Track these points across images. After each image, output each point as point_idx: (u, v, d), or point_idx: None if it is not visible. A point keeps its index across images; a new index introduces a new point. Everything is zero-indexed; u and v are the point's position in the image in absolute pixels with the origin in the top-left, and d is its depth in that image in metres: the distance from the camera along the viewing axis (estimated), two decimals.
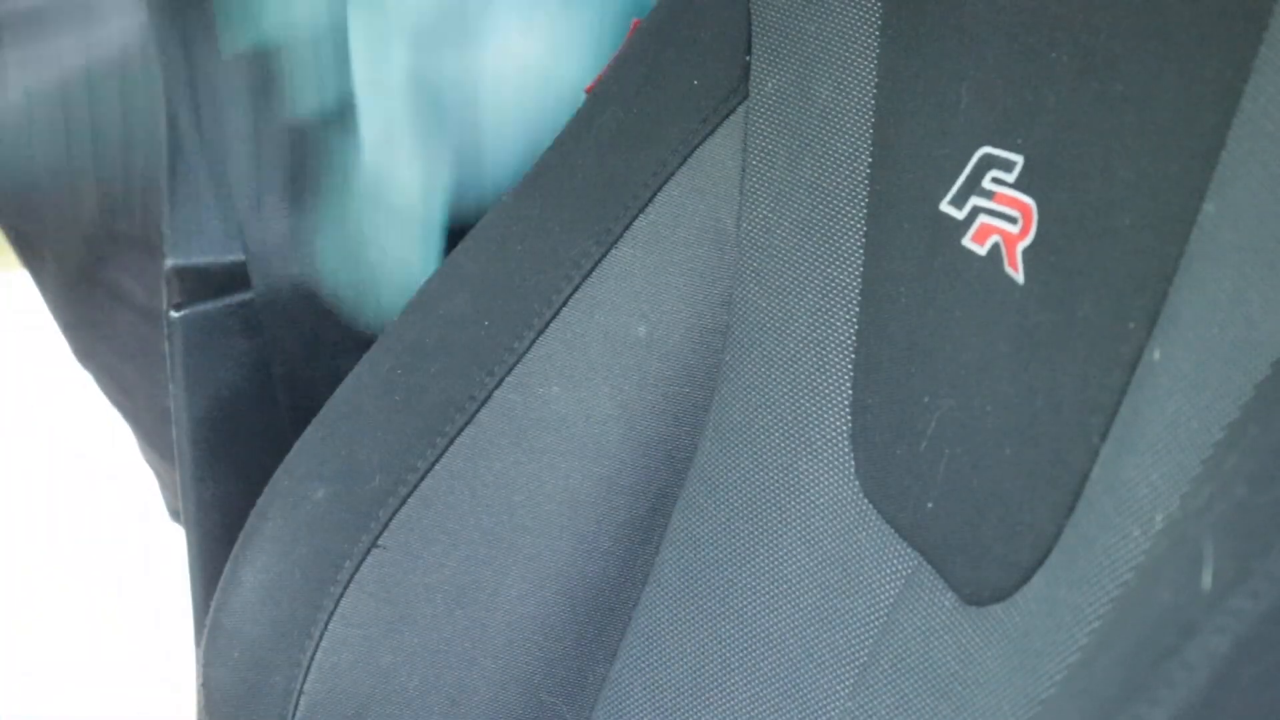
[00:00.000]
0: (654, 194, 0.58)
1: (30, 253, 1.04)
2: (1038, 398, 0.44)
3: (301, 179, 0.68)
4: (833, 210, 0.55)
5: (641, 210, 0.58)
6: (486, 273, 0.60)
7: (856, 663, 0.52)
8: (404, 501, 0.57)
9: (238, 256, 0.68)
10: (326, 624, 0.56)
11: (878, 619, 0.52)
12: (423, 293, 0.61)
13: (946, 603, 0.48)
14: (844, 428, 0.54)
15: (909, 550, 0.51)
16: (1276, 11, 0.39)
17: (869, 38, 0.54)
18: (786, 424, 0.56)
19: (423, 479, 0.57)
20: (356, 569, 0.57)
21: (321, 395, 0.61)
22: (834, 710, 0.52)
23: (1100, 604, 0.40)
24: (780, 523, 0.55)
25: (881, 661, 0.51)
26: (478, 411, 0.58)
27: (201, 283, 0.70)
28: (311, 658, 0.56)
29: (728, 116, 0.58)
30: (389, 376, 0.59)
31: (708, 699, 0.57)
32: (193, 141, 0.68)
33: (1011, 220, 0.47)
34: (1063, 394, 0.44)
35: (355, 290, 0.66)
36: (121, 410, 1.11)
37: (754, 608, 0.56)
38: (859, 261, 0.54)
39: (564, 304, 0.58)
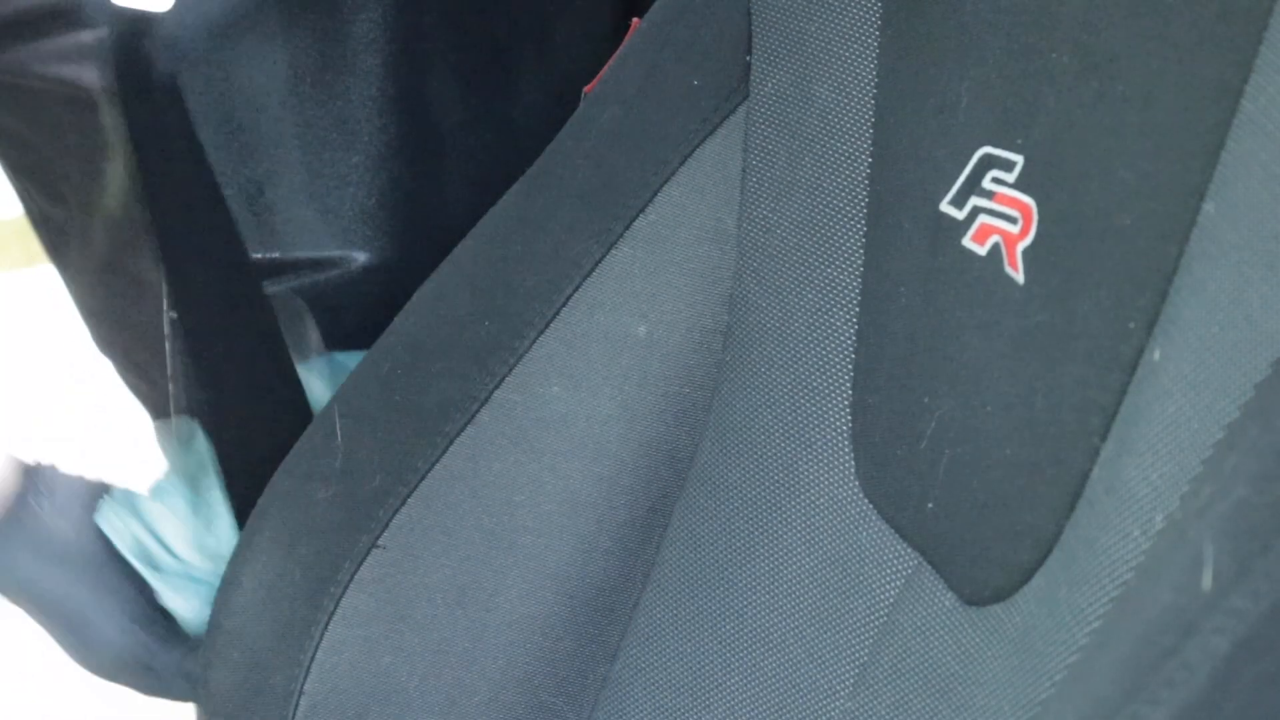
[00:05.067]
0: (654, 194, 0.58)
1: (56, 238, 1.05)
2: (1038, 398, 0.44)
3: None
4: (833, 210, 0.55)
5: (642, 210, 0.58)
6: (487, 272, 0.60)
7: (857, 662, 0.52)
8: (404, 501, 0.57)
9: None
10: (326, 624, 0.56)
11: (878, 619, 0.52)
12: (423, 293, 0.61)
13: (946, 603, 0.48)
14: (844, 428, 0.54)
15: (909, 550, 0.51)
16: (1276, 11, 0.39)
17: (869, 38, 0.54)
18: (787, 424, 0.56)
19: (423, 479, 0.57)
20: (356, 569, 0.57)
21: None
22: (834, 710, 0.52)
23: (1100, 604, 0.40)
24: (780, 523, 0.55)
25: (881, 661, 0.51)
26: (478, 411, 0.58)
27: None
28: (312, 658, 0.56)
29: (728, 116, 0.58)
30: (389, 376, 0.59)
31: (708, 699, 0.56)
32: None
33: (1011, 220, 0.47)
34: (1063, 394, 0.44)
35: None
36: (141, 399, 1.11)
37: (754, 608, 0.56)
38: (859, 261, 0.54)
39: (564, 304, 0.58)
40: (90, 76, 0.93)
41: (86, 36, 0.93)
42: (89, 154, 0.97)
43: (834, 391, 0.55)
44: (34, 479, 0.64)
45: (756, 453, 0.57)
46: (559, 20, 0.79)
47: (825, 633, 0.53)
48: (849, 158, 0.55)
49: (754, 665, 0.55)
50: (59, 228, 1.03)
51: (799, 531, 0.55)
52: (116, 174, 0.97)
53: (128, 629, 0.63)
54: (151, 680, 0.65)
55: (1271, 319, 0.37)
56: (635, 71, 0.60)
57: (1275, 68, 0.39)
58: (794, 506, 0.55)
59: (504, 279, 0.59)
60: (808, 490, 0.55)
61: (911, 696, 0.49)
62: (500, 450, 0.58)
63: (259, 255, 0.72)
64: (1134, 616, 0.37)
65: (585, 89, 0.63)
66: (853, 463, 0.54)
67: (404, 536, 0.57)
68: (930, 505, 0.49)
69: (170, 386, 0.73)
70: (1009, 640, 0.45)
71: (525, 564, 0.58)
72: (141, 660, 0.64)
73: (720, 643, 0.56)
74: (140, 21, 0.63)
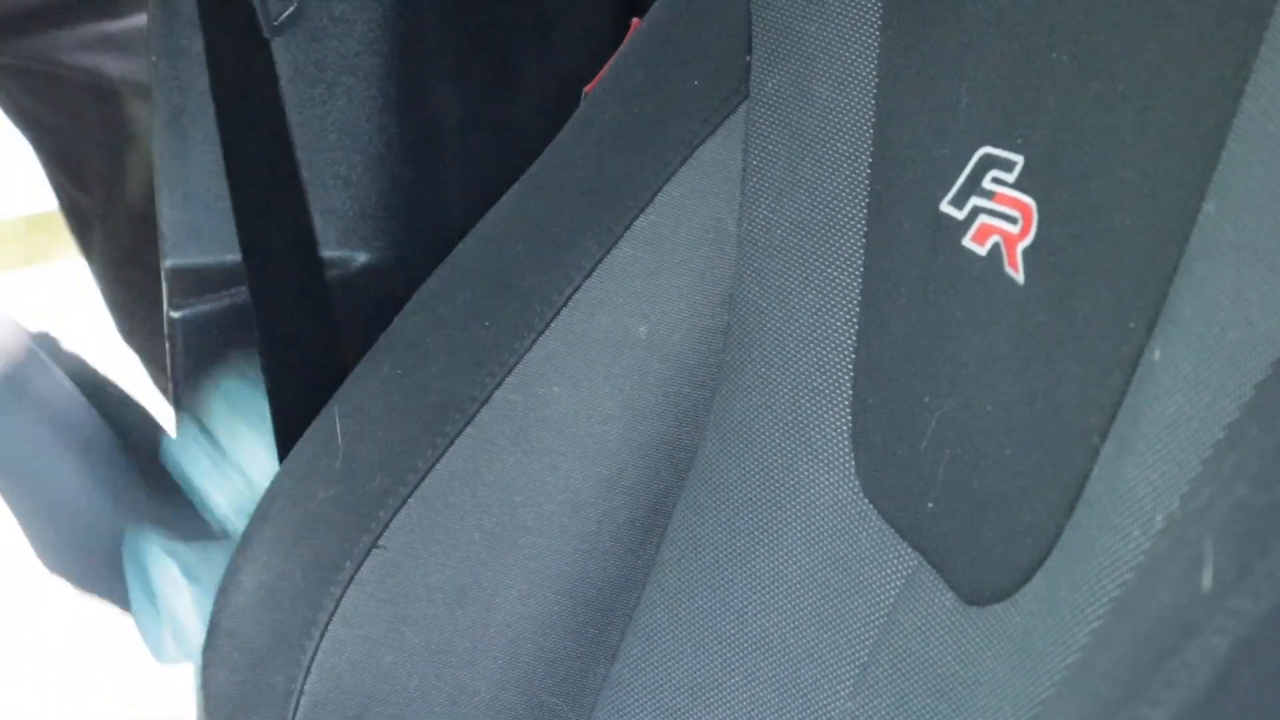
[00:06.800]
0: (655, 194, 0.58)
1: (82, 226, 1.05)
2: (1038, 398, 0.44)
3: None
4: (833, 210, 0.55)
5: (642, 210, 0.58)
6: (487, 273, 0.60)
7: (857, 662, 0.52)
8: (404, 502, 0.57)
9: (237, 256, 0.69)
10: (327, 625, 0.56)
11: (878, 619, 0.52)
12: (423, 293, 0.61)
13: (947, 603, 0.48)
14: (844, 428, 0.54)
15: (909, 550, 0.51)
16: (1276, 11, 0.39)
17: (869, 38, 0.54)
18: (787, 424, 0.56)
19: (423, 479, 0.57)
20: (357, 570, 0.57)
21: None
22: (834, 710, 0.52)
23: (1100, 604, 0.40)
24: (781, 523, 0.55)
25: (882, 661, 0.51)
26: (478, 412, 0.58)
27: (201, 283, 0.70)
28: (312, 659, 0.56)
29: (728, 116, 0.58)
30: (389, 376, 0.59)
31: (708, 699, 0.57)
32: (190, 140, 0.68)
33: (1012, 220, 0.47)
34: (1063, 394, 0.44)
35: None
36: (163, 393, 1.11)
37: (754, 608, 0.56)
38: (859, 261, 0.54)
39: (565, 304, 0.58)
40: (113, 67, 0.94)
41: (110, 27, 0.93)
42: (112, 144, 0.98)
43: (834, 391, 0.55)
44: (36, 349, 0.62)
45: (757, 452, 0.57)
46: (559, 20, 0.79)
47: (825, 632, 0.53)
48: (849, 157, 0.55)
49: (754, 665, 0.55)
50: (85, 217, 1.04)
51: (799, 531, 0.55)
52: (139, 166, 0.98)
53: (99, 507, 0.60)
54: (97, 577, 0.61)
55: (1271, 319, 0.37)
56: (635, 71, 0.60)
57: (1275, 68, 0.39)
58: (794, 506, 0.55)
59: (504, 279, 0.59)
60: (808, 490, 0.55)
61: (912, 696, 0.49)
62: (501, 450, 0.58)
63: None
64: (1134, 616, 0.37)
65: (585, 89, 0.63)
66: (853, 462, 0.54)
67: (404, 537, 0.57)
68: (930, 505, 0.49)
69: (170, 386, 0.73)
70: (1009, 640, 0.45)
71: (526, 564, 0.58)
72: (97, 546, 0.60)
73: (720, 642, 0.56)
74: None
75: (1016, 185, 0.47)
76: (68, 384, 0.63)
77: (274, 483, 0.59)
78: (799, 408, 0.55)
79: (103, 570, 0.60)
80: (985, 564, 0.46)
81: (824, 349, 0.55)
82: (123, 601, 0.60)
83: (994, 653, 0.45)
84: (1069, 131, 0.45)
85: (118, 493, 0.61)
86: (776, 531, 0.55)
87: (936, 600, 0.49)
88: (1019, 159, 0.47)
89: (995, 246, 0.47)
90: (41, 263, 1.78)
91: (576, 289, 0.58)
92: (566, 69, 0.78)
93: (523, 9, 0.78)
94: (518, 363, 0.58)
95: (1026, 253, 0.46)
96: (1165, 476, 0.39)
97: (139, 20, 0.94)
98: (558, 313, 0.58)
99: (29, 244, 1.79)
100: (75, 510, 0.60)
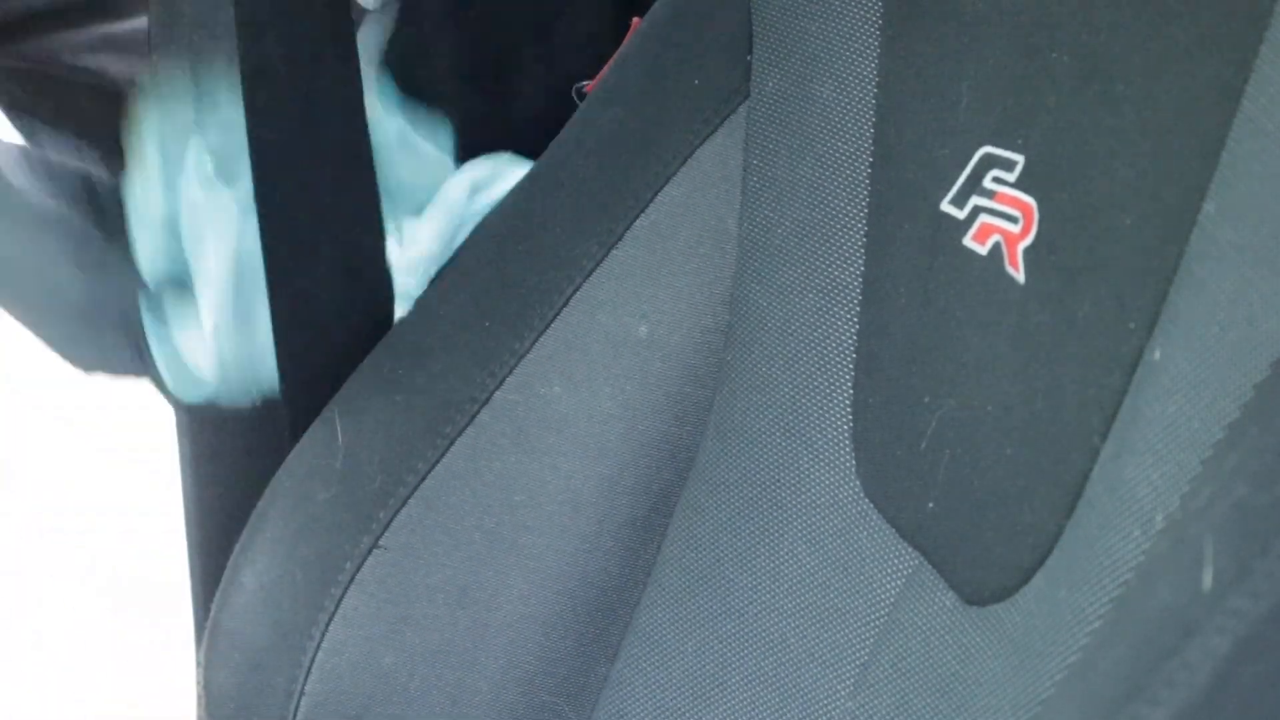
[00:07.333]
0: (655, 194, 0.58)
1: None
2: (1038, 398, 0.45)
3: None
4: (834, 210, 0.55)
5: (643, 210, 0.58)
6: (488, 273, 0.60)
7: (857, 662, 0.52)
8: (405, 502, 0.57)
9: None
10: (328, 625, 0.56)
11: (878, 619, 0.52)
12: (425, 293, 0.61)
13: (947, 602, 0.48)
14: (845, 427, 0.54)
15: (910, 550, 0.51)
16: (1276, 11, 0.39)
17: (870, 37, 0.54)
18: (788, 423, 0.56)
19: (424, 479, 0.57)
20: (358, 570, 0.57)
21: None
22: (834, 710, 0.52)
23: (1101, 604, 0.40)
24: (781, 522, 0.55)
25: (882, 661, 0.51)
26: (479, 412, 0.58)
27: None
28: (313, 659, 0.56)
29: (729, 116, 0.58)
30: (390, 376, 0.59)
31: (708, 698, 0.57)
32: None
33: (1012, 220, 0.47)
34: (1063, 394, 0.44)
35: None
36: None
37: (755, 607, 0.56)
38: (860, 261, 0.54)
39: (565, 304, 0.58)
40: (117, 68, 0.94)
41: (114, 28, 0.93)
42: (115, 146, 0.97)
43: (835, 391, 0.55)
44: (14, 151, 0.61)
45: (757, 452, 0.57)
46: (559, 20, 0.79)
47: (826, 632, 0.53)
48: (850, 157, 0.55)
49: (755, 665, 0.55)
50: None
51: (800, 531, 0.55)
52: None
53: (100, 291, 0.60)
54: (88, 332, 0.61)
55: (1271, 319, 0.37)
56: (636, 71, 0.60)
57: (1275, 68, 0.39)
58: (795, 506, 0.55)
59: (504, 279, 0.59)
60: (808, 489, 0.55)
61: (912, 696, 0.49)
62: (501, 450, 0.58)
63: None
64: (1134, 616, 0.37)
65: (585, 89, 0.63)
66: (853, 462, 0.54)
67: (405, 537, 0.57)
68: (930, 505, 0.49)
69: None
70: (1009, 640, 0.45)
71: (527, 564, 0.58)
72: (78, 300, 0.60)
73: (721, 642, 0.57)
74: None
75: (1017, 185, 0.47)
76: (49, 184, 0.62)
77: (274, 483, 0.59)
78: (800, 407, 0.55)
79: (111, 345, 0.60)
80: (985, 564, 0.46)
81: (825, 348, 0.55)
82: (137, 368, 0.61)
83: (994, 653, 0.45)
84: (1069, 131, 0.45)
85: (113, 276, 0.61)
86: (777, 531, 0.56)
87: (937, 600, 0.49)
88: (1020, 158, 0.47)
89: (996, 246, 0.47)
90: None
91: (577, 289, 0.58)
92: (566, 69, 0.78)
93: (523, 9, 0.78)
94: (518, 363, 0.58)
95: (1027, 252, 0.46)
96: (1165, 476, 0.39)
97: (142, 22, 0.94)
98: (558, 313, 0.58)
99: None
100: (77, 296, 0.60)
